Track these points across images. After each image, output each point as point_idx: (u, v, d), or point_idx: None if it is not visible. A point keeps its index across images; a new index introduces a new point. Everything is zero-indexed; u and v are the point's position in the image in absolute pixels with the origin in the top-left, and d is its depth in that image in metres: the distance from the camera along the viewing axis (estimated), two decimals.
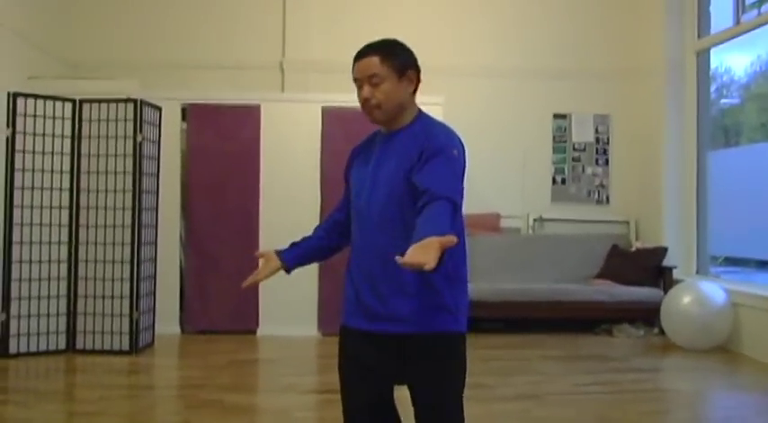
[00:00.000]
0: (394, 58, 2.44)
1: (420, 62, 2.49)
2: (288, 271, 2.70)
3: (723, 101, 8.29)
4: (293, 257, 2.70)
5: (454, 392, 2.43)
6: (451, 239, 2.00)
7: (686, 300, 6.49)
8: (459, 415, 2.45)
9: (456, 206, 2.23)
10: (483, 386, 5.01)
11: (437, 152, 2.33)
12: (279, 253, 2.68)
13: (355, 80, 2.47)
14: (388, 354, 2.42)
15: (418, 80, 2.49)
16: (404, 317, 2.37)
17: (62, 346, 5.93)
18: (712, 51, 7.58)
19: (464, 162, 2.40)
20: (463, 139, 2.43)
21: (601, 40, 8.26)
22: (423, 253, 1.95)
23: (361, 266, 2.46)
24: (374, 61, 2.42)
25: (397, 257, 1.97)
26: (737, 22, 7.07)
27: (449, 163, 2.32)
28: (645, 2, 8.11)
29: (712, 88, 7.77)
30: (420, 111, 2.52)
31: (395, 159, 2.41)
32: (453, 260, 2.40)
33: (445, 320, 2.40)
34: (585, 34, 8.25)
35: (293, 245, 2.72)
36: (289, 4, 7.96)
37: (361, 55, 2.46)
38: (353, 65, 2.47)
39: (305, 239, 2.74)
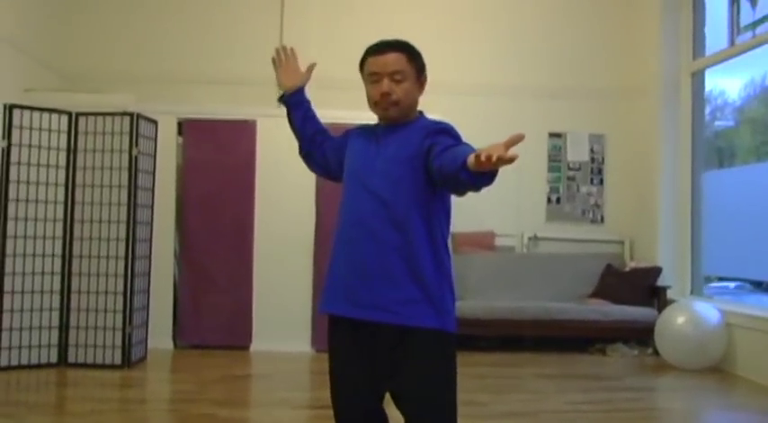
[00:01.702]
0: (417, 59, 2.51)
1: None
2: (280, 98, 2.77)
3: (717, 123, 8.32)
4: (298, 100, 2.75)
5: (445, 397, 2.40)
6: (521, 135, 1.98)
7: (680, 320, 6.48)
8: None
9: None
10: (476, 403, 5.00)
11: (441, 131, 2.41)
12: (297, 89, 2.75)
13: (372, 74, 2.47)
14: (374, 348, 2.41)
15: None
16: (388, 306, 2.36)
17: (54, 359, 5.89)
18: (707, 73, 7.62)
19: None
20: None
21: (597, 60, 8.31)
22: (497, 149, 1.94)
23: (350, 247, 2.44)
24: (401, 58, 2.47)
25: (473, 156, 1.98)
26: (732, 43, 7.12)
27: (455, 140, 2.39)
28: (641, 22, 8.17)
29: (707, 110, 7.81)
30: (422, 112, 2.59)
31: (396, 144, 2.45)
32: (440, 253, 2.44)
33: (430, 314, 2.38)
34: (582, 54, 8.30)
35: (308, 105, 2.78)
36: (286, 20, 7.98)
37: (383, 49, 2.48)
38: (371, 58, 2.49)
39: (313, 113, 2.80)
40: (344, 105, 7.28)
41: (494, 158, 1.93)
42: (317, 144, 2.71)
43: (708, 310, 6.48)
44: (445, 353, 2.42)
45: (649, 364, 6.76)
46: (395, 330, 2.37)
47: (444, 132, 2.40)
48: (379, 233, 2.38)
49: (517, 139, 1.97)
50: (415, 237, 2.38)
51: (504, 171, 2.11)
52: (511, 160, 1.93)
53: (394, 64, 2.45)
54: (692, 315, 6.46)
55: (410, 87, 2.48)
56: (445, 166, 2.20)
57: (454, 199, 2.49)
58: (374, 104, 2.50)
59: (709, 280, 7.66)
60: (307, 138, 2.74)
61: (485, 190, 2.16)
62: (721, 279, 7.76)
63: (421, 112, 2.58)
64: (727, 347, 6.38)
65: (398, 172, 2.40)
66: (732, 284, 7.59)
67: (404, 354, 2.37)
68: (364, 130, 2.62)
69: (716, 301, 6.93)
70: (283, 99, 2.75)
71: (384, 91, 2.44)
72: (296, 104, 2.74)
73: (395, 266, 2.36)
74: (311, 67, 2.72)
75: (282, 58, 2.75)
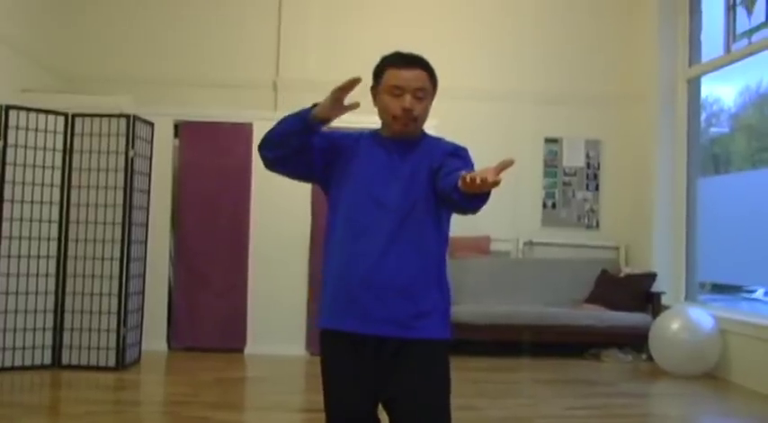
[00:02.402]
0: (434, 78, 2.50)
1: None
2: (312, 108, 2.43)
3: (713, 130, 8.34)
4: (319, 128, 2.45)
5: (445, 404, 2.43)
6: (511, 160, 2.06)
7: (675, 326, 6.49)
8: None
9: None
10: (472, 408, 5.00)
11: (453, 154, 2.46)
12: (326, 119, 2.42)
13: (396, 88, 2.42)
14: (376, 359, 2.41)
15: None
16: (404, 321, 2.37)
17: (48, 361, 5.87)
18: (702, 80, 7.64)
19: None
20: None
21: (593, 66, 8.32)
22: (486, 172, 2.02)
23: (358, 261, 2.40)
24: (424, 76, 2.45)
25: (461, 177, 2.06)
26: (728, 50, 7.14)
27: (464, 162, 2.42)
28: (637, 29, 8.19)
29: (702, 117, 7.83)
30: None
31: (414, 162, 2.45)
32: (443, 265, 2.50)
33: (438, 326, 2.44)
34: (578, 59, 8.31)
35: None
36: (284, 23, 7.99)
37: (410, 64, 2.45)
38: (394, 70, 2.44)
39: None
40: None
41: (478, 181, 2.00)
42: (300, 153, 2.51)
43: (702, 317, 6.49)
44: (444, 360, 2.46)
45: (644, 370, 6.77)
46: (400, 341, 2.39)
47: (455, 155, 2.45)
48: (394, 248, 2.38)
49: (507, 165, 2.06)
50: (428, 252, 2.43)
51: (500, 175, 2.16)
52: (495, 184, 2.01)
53: (419, 80, 2.43)
54: (687, 321, 6.47)
55: (428, 106, 2.48)
56: (444, 187, 2.28)
57: None
58: (393, 118, 2.45)
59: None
60: (291, 152, 2.48)
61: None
62: (715, 287, 7.76)
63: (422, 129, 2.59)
64: (722, 354, 6.39)
65: (417, 190, 2.41)
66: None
67: (406, 362, 2.39)
68: (367, 139, 2.55)
69: (710, 308, 6.94)
70: (312, 117, 2.42)
71: (407, 107, 2.41)
72: (314, 129, 2.45)
73: (410, 281, 2.38)
74: (353, 106, 2.41)
75: (349, 88, 2.36)
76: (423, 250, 2.41)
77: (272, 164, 2.54)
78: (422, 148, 2.49)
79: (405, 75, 2.43)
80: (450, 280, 2.55)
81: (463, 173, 2.09)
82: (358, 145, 2.54)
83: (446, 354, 2.47)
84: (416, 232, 2.40)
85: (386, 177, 2.44)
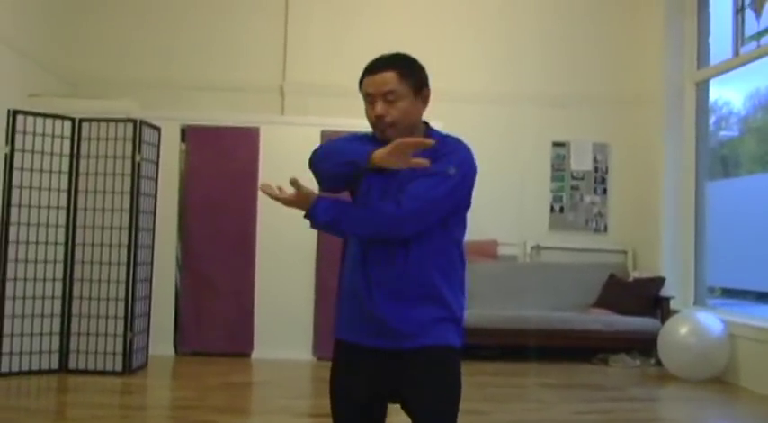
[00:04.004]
0: (411, 76, 2.36)
1: None
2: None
3: (722, 133, 8.32)
4: None
5: (453, 411, 2.39)
6: (293, 181, 2.30)
7: (683, 330, 6.46)
8: None
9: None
10: (479, 413, 4.97)
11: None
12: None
13: (367, 95, 2.35)
14: (393, 367, 2.37)
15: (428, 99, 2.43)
16: (421, 329, 2.33)
17: (54, 365, 5.87)
18: (711, 83, 7.61)
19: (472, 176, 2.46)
20: None
21: (601, 69, 8.30)
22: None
23: (373, 274, 2.35)
24: (392, 77, 2.33)
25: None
26: (736, 53, 7.11)
27: (437, 167, 2.33)
28: (645, 31, 8.16)
29: (711, 120, 7.80)
30: (427, 124, 2.47)
31: (421, 169, 2.31)
32: (458, 272, 2.42)
33: (452, 332, 2.39)
34: (586, 63, 8.29)
35: None
36: (290, 27, 8.00)
37: (375, 69, 2.35)
38: (365, 78, 2.37)
39: None
40: (347, 113, 7.29)
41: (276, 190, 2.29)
42: None
43: (711, 321, 6.45)
44: (456, 366, 2.41)
45: (652, 375, 6.73)
46: (417, 350, 2.35)
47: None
48: (409, 257, 2.32)
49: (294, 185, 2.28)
50: (440, 258, 2.36)
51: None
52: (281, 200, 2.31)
53: (385, 84, 2.32)
54: (695, 325, 6.43)
55: (407, 106, 2.34)
56: None
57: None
58: (372, 126, 2.39)
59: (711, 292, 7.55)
60: None
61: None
62: (725, 292, 7.72)
63: (426, 124, 2.47)
64: (730, 358, 6.35)
65: None
66: None
67: (419, 367, 2.35)
68: (371, 144, 2.41)
69: (719, 312, 6.91)
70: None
71: (378, 114, 2.33)
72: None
73: (425, 288, 2.34)
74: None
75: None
76: (435, 257, 2.35)
77: None
78: (432, 152, 2.35)
79: (371, 81, 2.35)
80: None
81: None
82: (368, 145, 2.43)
83: (458, 360, 2.42)
84: (426, 239, 2.33)
85: (396, 185, 2.34)
